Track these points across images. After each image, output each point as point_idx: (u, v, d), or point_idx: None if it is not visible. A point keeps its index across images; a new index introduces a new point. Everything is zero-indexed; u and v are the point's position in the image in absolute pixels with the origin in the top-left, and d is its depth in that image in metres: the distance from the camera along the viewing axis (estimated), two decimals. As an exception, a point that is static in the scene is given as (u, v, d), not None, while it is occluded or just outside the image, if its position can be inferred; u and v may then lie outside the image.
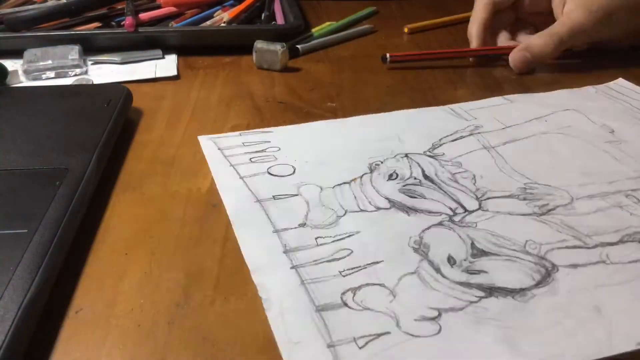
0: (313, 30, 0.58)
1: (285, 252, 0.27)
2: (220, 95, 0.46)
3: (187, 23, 0.56)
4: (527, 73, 0.49)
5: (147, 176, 0.35)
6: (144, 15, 0.54)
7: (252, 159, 0.36)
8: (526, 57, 0.49)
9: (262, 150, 0.37)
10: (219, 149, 0.37)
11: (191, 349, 0.23)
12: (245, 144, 0.38)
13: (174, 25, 0.55)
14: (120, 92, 0.41)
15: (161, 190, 0.33)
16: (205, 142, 0.38)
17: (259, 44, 0.50)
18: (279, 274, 0.26)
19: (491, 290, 0.25)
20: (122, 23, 0.52)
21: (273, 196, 0.32)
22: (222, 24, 0.56)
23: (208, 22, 0.56)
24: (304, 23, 0.57)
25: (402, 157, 0.36)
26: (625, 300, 0.25)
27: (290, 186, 0.33)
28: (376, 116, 0.42)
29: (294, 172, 0.34)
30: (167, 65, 0.51)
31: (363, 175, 0.34)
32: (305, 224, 0.30)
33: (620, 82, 0.48)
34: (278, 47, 0.49)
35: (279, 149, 0.37)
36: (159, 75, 0.49)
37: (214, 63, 0.52)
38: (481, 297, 0.25)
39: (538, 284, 0.26)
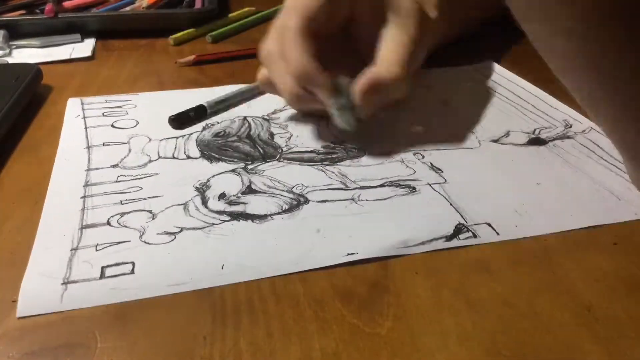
0: (230, 15, 0.64)
1: (85, 185, 0.33)
2: (129, 73, 0.51)
3: (109, 9, 0.62)
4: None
5: (44, 142, 0.39)
6: (68, 3, 0.61)
7: (104, 113, 0.42)
8: (375, 96, 0.35)
9: (119, 107, 0.43)
10: (82, 103, 0.43)
11: None
12: (107, 101, 0.44)
13: (95, 11, 0.61)
14: (29, 70, 0.47)
15: (55, 152, 0.38)
16: (72, 102, 0.44)
17: None
18: (67, 200, 0.32)
19: (237, 216, 0.31)
20: (46, 10, 0.59)
21: (103, 143, 0.38)
22: (141, 10, 0.62)
23: (128, 8, 0.62)
24: (217, 8, 0.62)
25: (239, 119, 0.42)
26: (347, 225, 0.30)
27: (125, 137, 0.39)
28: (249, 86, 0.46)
29: (135, 125, 0.40)
30: (83, 47, 0.57)
31: (193, 133, 0.40)
32: (117, 165, 0.35)
33: (487, 64, 0.51)
34: None
35: (135, 106, 0.43)
36: (74, 56, 0.55)
37: (129, 45, 0.58)
38: (224, 221, 0.30)
39: (283, 212, 0.31)
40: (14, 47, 0.57)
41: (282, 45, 0.35)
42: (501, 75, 0.49)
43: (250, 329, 0.24)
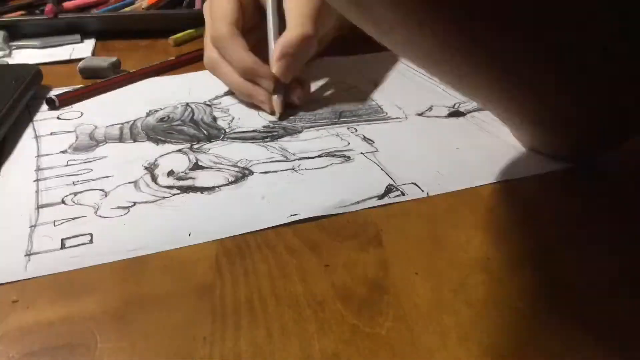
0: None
1: (36, 170, 0.35)
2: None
3: (109, 9, 0.62)
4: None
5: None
6: (68, 4, 0.61)
7: (49, 107, 0.44)
8: (289, 60, 0.41)
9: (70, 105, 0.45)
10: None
11: None
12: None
13: (95, 11, 0.61)
14: (29, 70, 0.46)
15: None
16: None
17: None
18: (20, 184, 0.33)
19: (187, 189, 0.33)
20: (46, 10, 0.59)
21: (51, 132, 0.39)
22: (141, 10, 0.62)
23: (127, 9, 0.62)
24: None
25: (182, 105, 0.44)
26: (289, 191, 0.33)
27: (71, 126, 0.41)
28: (188, 75, 0.50)
29: (81, 116, 0.43)
30: (84, 48, 0.58)
31: (137, 118, 0.42)
32: (66, 151, 0.37)
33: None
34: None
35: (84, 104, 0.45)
36: (74, 57, 0.55)
37: (130, 46, 0.58)
38: (175, 194, 0.32)
39: (230, 184, 0.33)
40: (14, 47, 0.57)
41: (223, 51, 0.42)
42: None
43: (250, 329, 0.23)
